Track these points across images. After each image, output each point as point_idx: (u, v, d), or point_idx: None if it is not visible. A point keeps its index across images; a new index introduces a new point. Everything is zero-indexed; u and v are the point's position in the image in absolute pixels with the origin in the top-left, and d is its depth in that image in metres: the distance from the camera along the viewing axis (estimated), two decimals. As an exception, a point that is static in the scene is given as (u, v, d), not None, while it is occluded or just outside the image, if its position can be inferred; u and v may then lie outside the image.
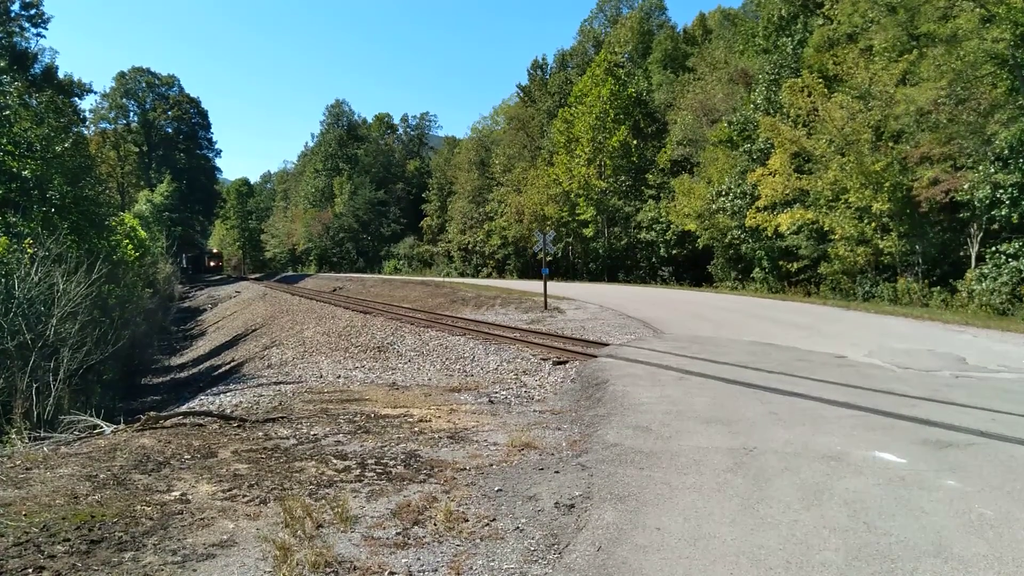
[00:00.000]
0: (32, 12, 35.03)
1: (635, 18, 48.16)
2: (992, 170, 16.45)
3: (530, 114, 47.75)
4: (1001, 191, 16.25)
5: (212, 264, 74.85)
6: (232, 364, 18.76)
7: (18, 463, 5.32)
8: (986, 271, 16.99)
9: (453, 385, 10.27)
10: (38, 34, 37.34)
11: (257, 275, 67.34)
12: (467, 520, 4.25)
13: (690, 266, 32.57)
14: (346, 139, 72.27)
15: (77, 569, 3.45)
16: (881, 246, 20.17)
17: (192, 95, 75.16)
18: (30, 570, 3.40)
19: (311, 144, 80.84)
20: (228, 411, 8.87)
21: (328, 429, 6.92)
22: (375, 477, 5.19)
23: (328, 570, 3.51)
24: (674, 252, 32.90)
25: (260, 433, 6.79)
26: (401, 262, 59.53)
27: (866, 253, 20.58)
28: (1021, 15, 15.80)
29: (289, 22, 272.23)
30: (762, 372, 8.75)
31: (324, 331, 18.87)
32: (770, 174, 23.42)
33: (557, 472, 5.23)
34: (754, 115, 26.41)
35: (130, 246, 26.44)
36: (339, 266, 65.61)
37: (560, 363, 10.79)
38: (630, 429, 6.25)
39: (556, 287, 25.48)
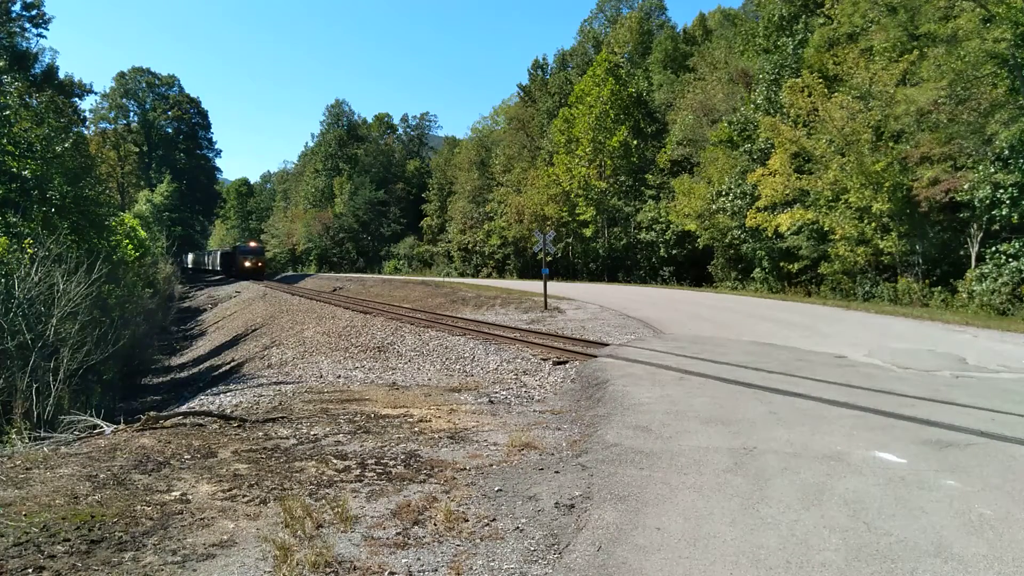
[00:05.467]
0: (33, 13, 35.08)
1: (635, 18, 48.17)
2: (992, 170, 16.46)
3: (530, 114, 47.76)
4: (1001, 191, 16.26)
5: (249, 264, 51.93)
6: (232, 364, 18.76)
7: (18, 463, 5.32)
8: (986, 271, 16.99)
9: (453, 385, 10.27)
10: (39, 34, 37.55)
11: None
12: (467, 520, 4.25)
13: (690, 266, 32.58)
14: (346, 139, 72.25)
15: (77, 569, 3.45)
16: (881, 246, 20.17)
17: (192, 95, 75.42)
18: (30, 570, 3.40)
19: (311, 144, 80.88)
20: (228, 411, 8.87)
21: (328, 429, 6.92)
22: (375, 477, 5.19)
23: (328, 570, 3.51)
24: (674, 252, 32.91)
25: (260, 433, 6.79)
26: (401, 262, 59.55)
27: (866, 253, 20.58)
28: (1021, 15, 15.80)
29: (289, 22, 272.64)
30: (762, 372, 8.75)
31: (324, 331, 18.86)
32: (770, 174, 23.43)
33: (557, 472, 5.23)
34: (754, 115, 26.41)
35: (130, 246, 26.46)
36: (339, 266, 65.59)
37: (560, 363, 10.79)
38: (630, 429, 6.24)
39: (556, 287, 25.48)
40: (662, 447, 5.62)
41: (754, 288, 26.21)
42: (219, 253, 62.20)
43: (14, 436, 7.25)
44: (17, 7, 34.39)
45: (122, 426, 7.06)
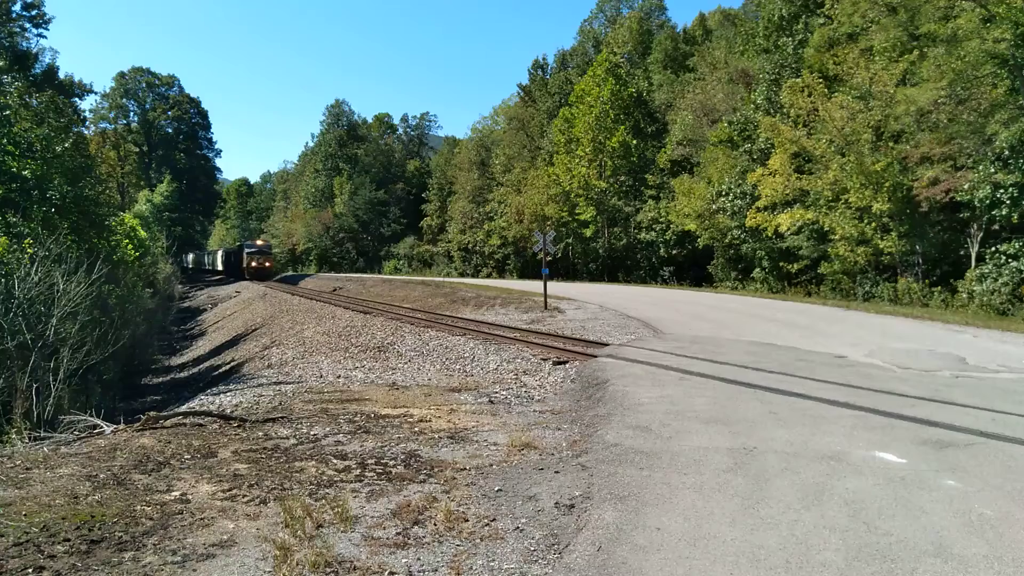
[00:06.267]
0: (33, 13, 35.10)
1: (635, 18, 48.17)
2: (992, 170, 16.45)
3: (530, 114, 47.76)
4: (1001, 191, 16.25)
5: (256, 264, 47.68)
6: (232, 364, 18.75)
7: (18, 463, 5.32)
8: (986, 271, 16.99)
9: (453, 385, 10.26)
10: (39, 35, 37.55)
11: None
12: (467, 520, 4.25)
13: (690, 266, 32.59)
14: (346, 139, 72.24)
15: (77, 569, 3.45)
16: (881, 246, 20.17)
17: (192, 95, 75.53)
18: (30, 570, 3.40)
19: (311, 144, 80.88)
20: (228, 411, 8.86)
21: (328, 429, 6.92)
22: (375, 477, 5.19)
23: (328, 570, 3.51)
24: (674, 252, 32.91)
25: (260, 433, 6.79)
26: (401, 262, 59.54)
27: (866, 253, 20.58)
28: (1021, 15, 15.80)
29: (289, 22, 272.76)
30: (762, 372, 8.75)
31: (324, 331, 18.86)
32: (770, 174, 23.43)
33: (557, 472, 5.23)
34: (754, 115, 26.42)
35: (130, 246, 26.44)
36: (339, 266, 65.56)
37: (560, 363, 10.79)
38: (630, 429, 6.24)
39: (556, 287, 25.47)
40: (662, 447, 5.62)
41: (754, 288, 26.20)
42: (221, 252, 58.63)
43: (14, 436, 7.25)
44: (17, 7, 34.43)
45: (122, 426, 7.06)
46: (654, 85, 40.52)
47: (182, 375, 20.90)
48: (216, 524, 4.10)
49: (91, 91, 39.99)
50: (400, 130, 77.07)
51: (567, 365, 10.60)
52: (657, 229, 33.34)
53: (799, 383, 8.01)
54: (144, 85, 71.55)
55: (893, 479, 4.71)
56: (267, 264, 48.95)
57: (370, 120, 77.05)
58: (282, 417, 7.68)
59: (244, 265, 48.47)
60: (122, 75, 70.16)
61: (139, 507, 4.34)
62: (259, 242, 54.34)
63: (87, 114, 55.78)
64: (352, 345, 15.88)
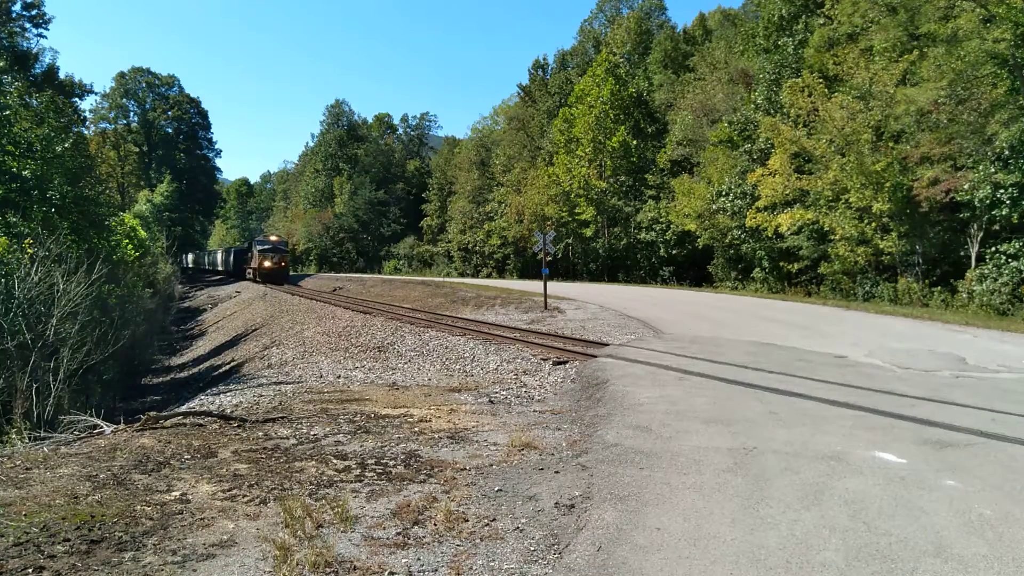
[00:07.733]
0: (33, 13, 35.15)
1: (634, 18, 48.18)
2: (992, 170, 16.46)
3: (530, 114, 47.78)
4: (1001, 191, 16.26)
5: (270, 264, 39.99)
6: (232, 364, 18.75)
7: (18, 463, 5.32)
8: (986, 271, 16.99)
9: (453, 385, 10.26)
10: (39, 35, 37.61)
11: None
12: (467, 520, 4.25)
13: (690, 266, 32.59)
14: (346, 139, 72.24)
15: (77, 569, 3.45)
16: (881, 246, 20.17)
17: (192, 95, 75.52)
18: (30, 570, 3.40)
19: (311, 144, 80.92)
20: (228, 411, 8.86)
21: (328, 429, 6.92)
22: (375, 477, 5.19)
23: (328, 570, 3.51)
24: (674, 252, 32.93)
25: (260, 433, 6.79)
26: (401, 262, 59.53)
27: (866, 253, 20.58)
28: (1021, 15, 15.80)
29: (289, 22, 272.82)
30: (762, 372, 8.75)
31: (324, 331, 18.85)
32: (770, 174, 23.43)
33: (557, 472, 5.23)
34: (754, 115, 26.42)
35: (130, 246, 26.43)
36: (339, 266, 65.56)
37: (560, 363, 10.79)
38: (630, 429, 6.24)
39: (556, 287, 25.48)
40: (662, 447, 5.62)
41: (754, 288, 26.21)
42: (223, 252, 53.53)
43: (14, 436, 7.25)
44: (17, 7, 34.50)
45: (122, 426, 7.06)
46: (654, 85, 40.54)
47: (182, 375, 20.89)
48: (216, 524, 4.10)
49: (91, 91, 40.08)
50: (400, 130, 77.11)
51: (567, 365, 10.60)
52: (657, 229, 33.35)
53: (799, 383, 8.01)
54: (144, 85, 71.56)
55: (893, 479, 4.71)
56: (283, 264, 40.85)
57: (370, 120, 77.11)
58: (282, 417, 7.68)
59: (255, 265, 40.97)
60: (122, 75, 70.18)
61: (139, 507, 4.34)
62: (273, 238, 45.06)
63: (87, 114, 55.92)
64: (352, 345, 15.88)
